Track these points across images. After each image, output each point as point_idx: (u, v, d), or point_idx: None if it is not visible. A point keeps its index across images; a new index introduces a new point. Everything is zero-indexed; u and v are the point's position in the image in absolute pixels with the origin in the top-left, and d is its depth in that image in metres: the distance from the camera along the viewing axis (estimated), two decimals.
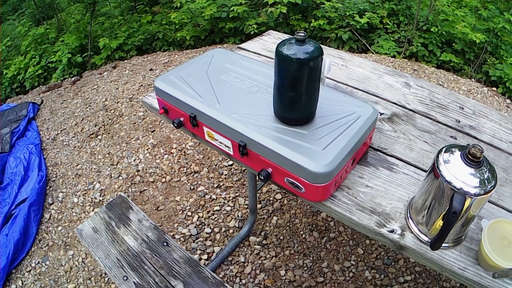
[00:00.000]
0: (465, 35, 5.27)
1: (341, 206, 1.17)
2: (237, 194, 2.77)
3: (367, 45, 5.50)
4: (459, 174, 0.95)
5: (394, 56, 5.22)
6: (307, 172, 1.08)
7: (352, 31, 5.49)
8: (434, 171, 1.00)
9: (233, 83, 1.42)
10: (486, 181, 0.94)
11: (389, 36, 5.60)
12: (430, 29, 5.45)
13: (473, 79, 5.09)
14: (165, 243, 1.82)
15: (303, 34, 1.06)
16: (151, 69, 4.75)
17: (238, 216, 2.61)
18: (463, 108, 1.65)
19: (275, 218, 2.58)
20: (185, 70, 1.51)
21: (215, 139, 1.32)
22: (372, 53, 5.33)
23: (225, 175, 2.94)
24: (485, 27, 5.65)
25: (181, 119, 1.41)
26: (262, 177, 1.18)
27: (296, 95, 1.15)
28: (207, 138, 1.37)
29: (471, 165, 0.95)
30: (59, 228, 2.73)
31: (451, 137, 1.49)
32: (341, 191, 1.22)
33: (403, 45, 5.45)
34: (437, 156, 1.01)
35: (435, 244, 1.01)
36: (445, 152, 1.01)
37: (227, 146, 1.29)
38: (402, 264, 2.34)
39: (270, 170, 1.18)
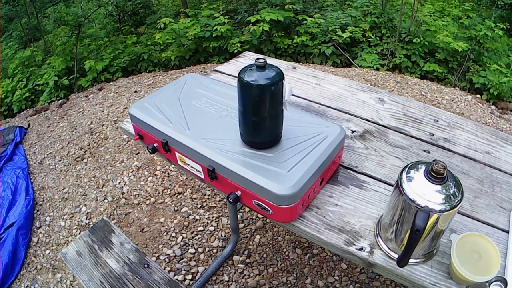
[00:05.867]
0: (447, 44, 5.33)
1: (310, 226, 1.18)
2: (220, 214, 2.77)
3: (350, 59, 5.55)
4: (423, 191, 0.94)
5: (377, 69, 5.26)
6: (272, 194, 1.09)
7: (335, 46, 5.54)
8: (398, 188, 1.00)
9: (204, 108, 1.44)
10: (452, 196, 0.93)
11: (372, 49, 5.65)
12: (412, 40, 5.50)
13: (457, 88, 5.13)
14: (146, 265, 1.84)
15: (262, 61, 1.08)
16: (135, 91, 4.77)
17: (221, 236, 2.61)
18: (437, 121, 1.65)
19: (258, 236, 2.58)
20: (159, 96, 1.53)
21: (186, 164, 1.34)
22: (356, 67, 5.37)
23: (208, 195, 2.94)
24: (467, 35, 5.72)
25: (155, 144, 1.43)
26: (231, 200, 1.19)
27: (259, 120, 1.16)
28: (179, 163, 1.39)
29: (435, 182, 0.94)
30: (47, 251, 2.72)
31: (424, 151, 1.48)
32: (310, 211, 1.23)
33: (386, 57, 5.49)
34: (401, 174, 1.01)
35: (401, 261, 1.01)
36: (409, 169, 1.01)
37: (198, 171, 1.31)
38: (387, 277, 2.34)
39: (238, 193, 1.20)
